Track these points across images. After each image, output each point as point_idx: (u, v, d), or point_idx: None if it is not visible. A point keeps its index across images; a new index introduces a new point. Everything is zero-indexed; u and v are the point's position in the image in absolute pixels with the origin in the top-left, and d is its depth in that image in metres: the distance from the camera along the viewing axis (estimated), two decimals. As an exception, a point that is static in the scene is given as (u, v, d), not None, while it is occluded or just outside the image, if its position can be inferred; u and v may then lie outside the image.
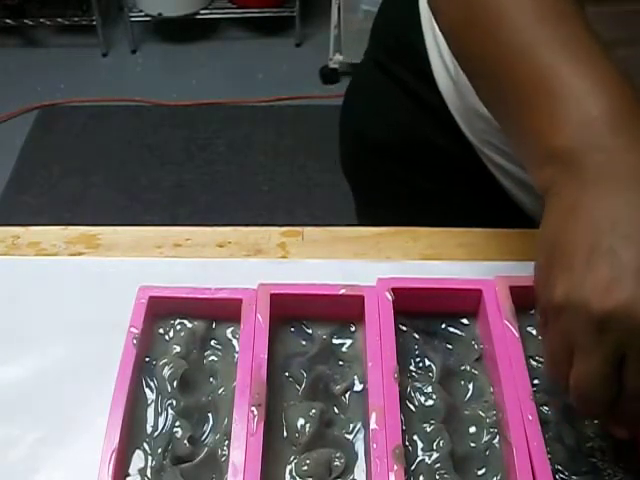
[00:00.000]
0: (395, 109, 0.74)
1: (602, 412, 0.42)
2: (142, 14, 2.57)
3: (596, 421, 0.49)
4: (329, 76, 2.52)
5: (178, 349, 0.52)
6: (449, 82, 0.67)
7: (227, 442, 0.48)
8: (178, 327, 0.54)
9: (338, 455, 0.48)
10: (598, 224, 0.39)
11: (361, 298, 0.54)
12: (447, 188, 0.75)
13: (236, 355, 0.52)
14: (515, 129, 0.46)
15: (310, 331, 0.55)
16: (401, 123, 0.74)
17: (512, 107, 0.45)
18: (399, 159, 0.76)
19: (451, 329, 0.56)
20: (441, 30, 0.52)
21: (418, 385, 0.51)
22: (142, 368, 0.51)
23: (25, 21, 2.58)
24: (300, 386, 0.51)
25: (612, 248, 0.38)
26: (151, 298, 0.53)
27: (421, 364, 0.53)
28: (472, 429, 0.50)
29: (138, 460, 0.48)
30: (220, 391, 0.51)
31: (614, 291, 0.38)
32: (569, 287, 0.39)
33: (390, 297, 0.53)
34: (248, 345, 0.51)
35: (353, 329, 0.55)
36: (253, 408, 0.47)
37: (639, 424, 0.44)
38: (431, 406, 0.50)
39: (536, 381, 0.51)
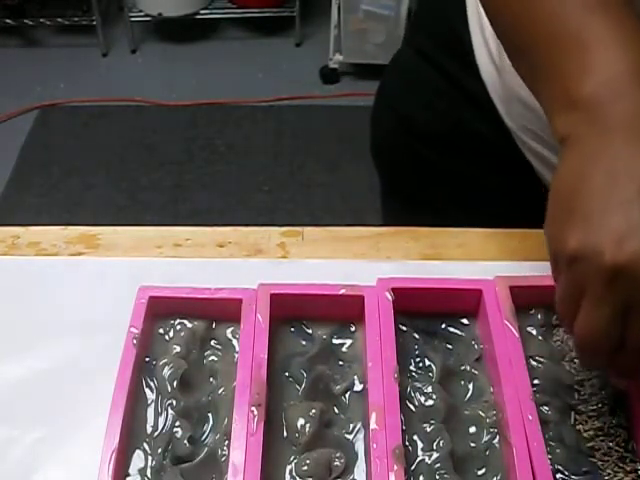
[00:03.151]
0: (435, 94, 0.75)
1: (602, 363, 0.43)
2: (142, 14, 2.57)
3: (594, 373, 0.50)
4: (329, 76, 2.52)
5: (178, 349, 0.52)
6: (492, 69, 0.68)
7: (227, 442, 0.48)
8: (178, 327, 0.54)
9: (338, 455, 0.48)
10: (617, 174, 0.39)
11: (361, 298, 0.54)
12: (482, 173, 0.76)
13: (236, 355, 0.52)
14: (541, 76, 0.46)
15: (310, 331, 0.55)
16: (440, 108, 0.75)
17: (541, 56, 0.46)
18: (436, 143, 0.77)
19: (451, 329, 0.56)
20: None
21: (418, 385, 0.51)
22: (142, 368, 0.51)
23: (25, 21, 2.58)
24: (300, 386, 0.51)
25: (629, 200, 0.38)
26: (151, 298, 0.53)
27: (421, 364, 0.53)
28: (472, 429, 0.50)
29: (138, 460, 0.48)
30: (220, 391, 0.51)
31: (628, 244, 0.38)
32: (583, 236, 0.39)
33: (390, 297, 0.53)
34: (248, 345, 0.51)
35: (353, 329, 0.55)
36: (253, 408, 0.47)
37: (636, 375, 0.45)
38: (431, 406, 0.50)
39: (536, 381, 0.51)
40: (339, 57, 2.46)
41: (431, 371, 0.52)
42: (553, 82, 0.45)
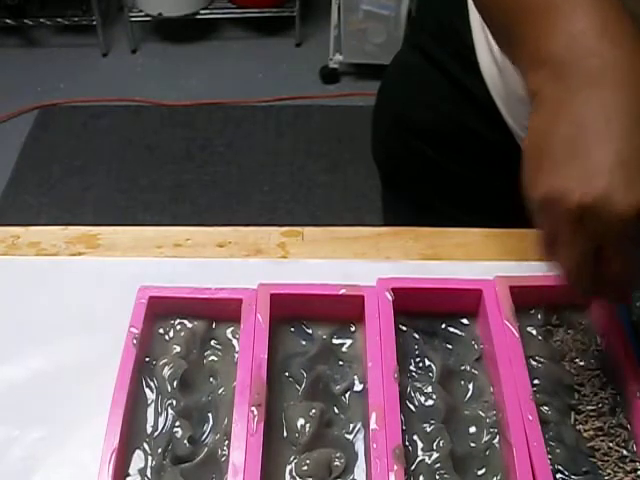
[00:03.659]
0: (436, 94, 0.75)
1: (586, 288, 0.46)
2: (142, 14, 2.57)
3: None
4: (329, 76, 2.52)
5: (178, 349, 0.52)
6: (494, 69, 0.68)
7: (227, 442, 0.48)
8: (178, 327, 0.54)
9: (338, 455, 0.48)
10: (581, 125, 0.42)
11: (361, 298, 0.54)
12: (482, 173, 0.76)
13: (236, 355, 0.52)
14: (516, 40, 0.49)
15: (310, 331, 0.55)
16: (441, 108, 0.75)
17: (520, 26, 0.48)
18: (437, 143, 0.77)
19: (451, 329, 0.56)
20: None
21: (418, 385, 0.51)
22: (142, 368, 0.51)
23: (25, 21, 2.58)
24: (300, 386, 0.51)
25: (592, 146, 0.41)
26: (151, 298, 0.53)
27: (421, 364, 0.53)
28: (472, 429, 0.50)
29: (138, 460, 0.48)
30: (220, 391, 0.51)
31: (592, 186, 0.40)
32: (551, 182, 0.42)
33: (390, 297, 0.53)
34: (248, 345, 0.51)
35: (353, 329, 0.55)
36: (253, 408, 0.47)
37: (620, 300, 0.51)
38: (431, 406, 0.50)
39: (536, 381, 0.51)
40: (339, 57, 2.46)
41: (431, 371, 0.52)
42: (527, 44, 0.47)
